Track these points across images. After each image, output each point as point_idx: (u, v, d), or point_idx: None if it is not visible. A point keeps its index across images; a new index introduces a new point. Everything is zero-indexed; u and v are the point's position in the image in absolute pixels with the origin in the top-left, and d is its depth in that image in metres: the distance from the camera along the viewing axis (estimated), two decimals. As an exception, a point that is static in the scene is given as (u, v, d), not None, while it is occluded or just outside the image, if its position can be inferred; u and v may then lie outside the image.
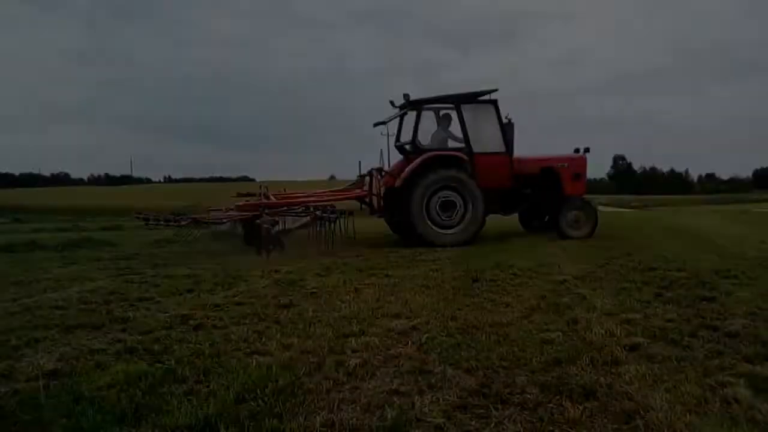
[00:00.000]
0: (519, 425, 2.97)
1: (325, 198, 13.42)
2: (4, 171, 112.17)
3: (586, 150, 13.50)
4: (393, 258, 9.73)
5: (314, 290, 6.74)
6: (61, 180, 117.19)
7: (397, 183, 12.57)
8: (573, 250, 10.38)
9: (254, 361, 4.00)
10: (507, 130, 12.82)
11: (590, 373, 3.63)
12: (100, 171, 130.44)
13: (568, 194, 13.04)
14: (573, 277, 7.14)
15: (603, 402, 3.18)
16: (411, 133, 12.86)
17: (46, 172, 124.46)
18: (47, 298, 6.53)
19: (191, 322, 5.26)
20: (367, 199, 13.50)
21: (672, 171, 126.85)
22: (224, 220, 12.90)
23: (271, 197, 13.22)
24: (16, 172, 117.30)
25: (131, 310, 5.87)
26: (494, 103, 12.77)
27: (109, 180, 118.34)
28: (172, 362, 3.99)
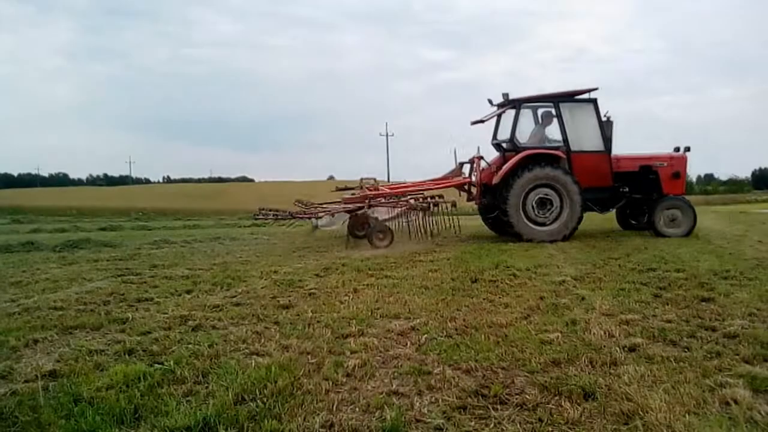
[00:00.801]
0: (518, 426, 2.97)
1: (426, 187, 13.95)
2: (2, 171, 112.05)
3: (687, 149, 13.39)
4: (392, 258, 9.73)
5: (313, 291, 6.74)
6: (59, 180, 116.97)
7: (495, 180, 12.85)
8: (572, 251, 10.39)
9: (253, 361, 4.00)
10: (606, 127, 12.82)
11: (589, 373, 3.63)
12: (99, 171, 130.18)
13: (667, 193, 12.97)
14: (572, 278, 7.15)
15: (602, 403, 3.18)
16: (509, 131, 13.00)
17: (45, 173, 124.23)
18: (46, 298, 6.53)
19: (190, 322, 5.26)
20: (466, 187, 13.94)
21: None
22: (320, 215, 14.48)
23: (373, 189, 14.05)
24: (15, 173, 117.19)
25: (130, 310, 5.87)
26: (594, 101, 12.80)
27: (108, 180, 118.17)
28: (171, 363, 3.98)
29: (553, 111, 12.91)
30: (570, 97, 13.02)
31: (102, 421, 3.04)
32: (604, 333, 4.53)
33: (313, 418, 3.06)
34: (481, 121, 13.93)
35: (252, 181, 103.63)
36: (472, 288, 6.73)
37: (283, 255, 10.85)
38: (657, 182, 13.07)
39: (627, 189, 13.23)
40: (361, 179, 15.11)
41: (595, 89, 12.80)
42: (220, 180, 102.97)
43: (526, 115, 13.36)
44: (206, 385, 3.61)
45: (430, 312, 5.48)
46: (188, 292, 6.88)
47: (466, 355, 4.07)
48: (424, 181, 14.23)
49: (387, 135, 73.84)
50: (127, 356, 4.26)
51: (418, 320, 5.14)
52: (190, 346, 4.47)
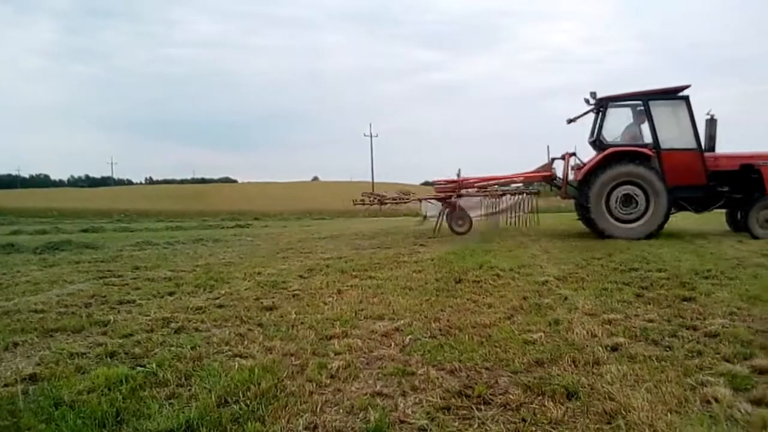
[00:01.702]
0: (502, 426, 2.98)
1: (511, 179, 15.02)
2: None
3: None
4: (376, 259, 9.73)
5: (297, 292, 6.72)
6: (40, 182, 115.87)
7: (578, 177, 13.11)
8: (554, 251, 10.45)
9: (236, 364, 3.98)
10: (709, 126, 12.72)
11: (572, 373, 3.65)
12: (80, 172, 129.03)
13: None
14: (555, 278, 7.19)
15: (585, 402, 3.19)
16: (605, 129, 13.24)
17: (26, 174, 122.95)
18: (26, 301, 6.45)
19: (172, 325, 5.22)
20: (555, 180, 14.24)
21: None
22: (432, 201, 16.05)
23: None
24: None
25: (112, 313, 5.81)
26: (686, 99, 12.66)
27: (89, 181, 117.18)
28: (153, 366, 3.95)
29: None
30: (660, 95, 12.91)
31: (83, 425, 3.01)
32: (587, 333, 4.56)
33: (297, 420, 3.05)
34: (574, 120, 14.16)
35: (235, 182, 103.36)
36: (456, 288, 6.75)
37: (266, 256, 10.82)
38: (760, 182, 12.49)
39: (726, 189, 12.74)
40: (459, 170, 16.08)
41: (688, 86, 12.72)
42: (203, 181, 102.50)
43: (625, 113, 13.46)
44: (189, 387, 3.58)
45: (414, 313, 5.48)
46: (171, 294, 6.83)
47: (450, 356, 4.08)
48: (511, 174, 15.11)
49: (371, 136, 73.81)
50: (108, 359, 4.22)
51: (402, 321, 5.14)
52: (172, 348, 4.43)
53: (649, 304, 5.69)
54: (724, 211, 14.12)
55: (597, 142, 13.24)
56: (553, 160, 14.28)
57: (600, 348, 4.15)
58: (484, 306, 5.74)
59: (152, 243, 14.05)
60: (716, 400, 3.13)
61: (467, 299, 6.10)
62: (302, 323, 5.15)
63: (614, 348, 4.18)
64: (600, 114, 13.25)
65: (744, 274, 7.17)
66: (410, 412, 3.15)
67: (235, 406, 3.22)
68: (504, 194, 15.78)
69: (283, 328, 4.98)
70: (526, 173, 14.97)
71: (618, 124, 13.39)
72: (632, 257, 9.02)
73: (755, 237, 11.97)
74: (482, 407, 3.21)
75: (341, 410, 3.21)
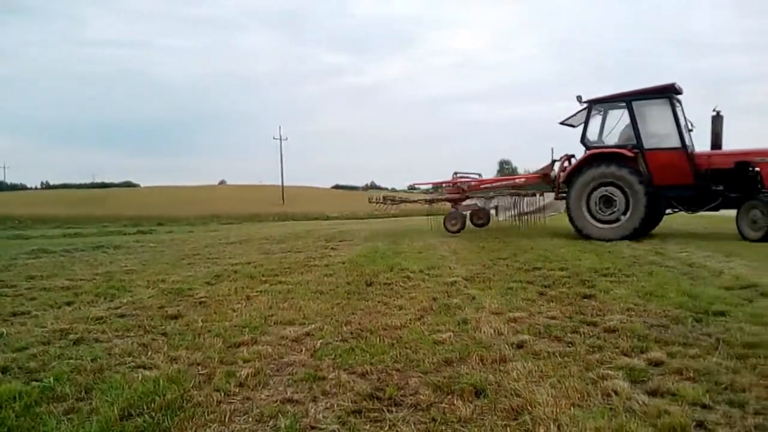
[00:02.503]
0: (412, 426, 3.00)
1: (513, 180, 15.80)
2: None
3: None
4: (286, 263, 9.62)
5: (203, 299, 6.54)
6: None
7: (561, 179, 13.08)
8: (463, 252, 10.67)
9: (140, 375, 3.84)
10: (714, 123, 12.49)
11: (480, 371, 3.73)
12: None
13: None
14: (463, 279, 7.33)
15: (492, 399, 3.27)
16: (597, 131, 13.24)
17: None
18: None
19: (71, 336, 4.96)
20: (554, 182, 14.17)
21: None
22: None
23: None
24: None
25: (4, 325, 5.45)
26: (669, 98, 12.43)
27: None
28: (51, 380, 3.74)
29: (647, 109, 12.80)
30: (643, 95, 12.74)
31: (-31, 447, 2.81)
32: (494, 331, 4.67)
33: (204, 430, 2.97)
34: (570, 125, 14.12)
35: (138, 186, 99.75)
36: (367, 291, 6.76)
37: (171, 263, 10.47)
38: (758, 179, 11.74)
39: (721, 187, 12.09)
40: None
41: (672, 85, 12.53)
42: (103, 185, 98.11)
43: (614, 115, 13.38)
44: (89, 401, 3.41)
45: (325, 317, 5.46)
46: (69, 304, 6.50)
47: (361, 359, 4.08)
48: (515, 176, 16.15)
49: (281, 139, 73.20)
50: (0, 375, 3.96)
51: (312, 326, 5.11)
52: (71, 361, 4.21)
53: (552, 301, 5.90)
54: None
55: (584, 143, 13.40)
56: (554, 161, 14.45)
57: (506, 346, 4.27)
58: (395, 308, 5.78)
59: (48, 251, 13.28)
60: (615, 393, 3.28)
61: (378, 302, 6.12)
62: (209, 331, 5.02)
63: (519, 345, 4.31)
64: (586, 116, 13.34)
65: (640, 272, 7.56)
66: (321, 417, 3.13)
67: (138, 419, 3.10)
68: (535, 194, 16.51)
69: (188, 337, 4.84)
70: (527, 175, 15.64)
71: (607, 125, 13.41)
72: (535, 257, 9.33)
73: (744, 238, 11.42)
74: (393, 409, 3.23)
75: (250, 419, 3.15)
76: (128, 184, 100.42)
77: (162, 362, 4.16)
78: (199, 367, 4.02)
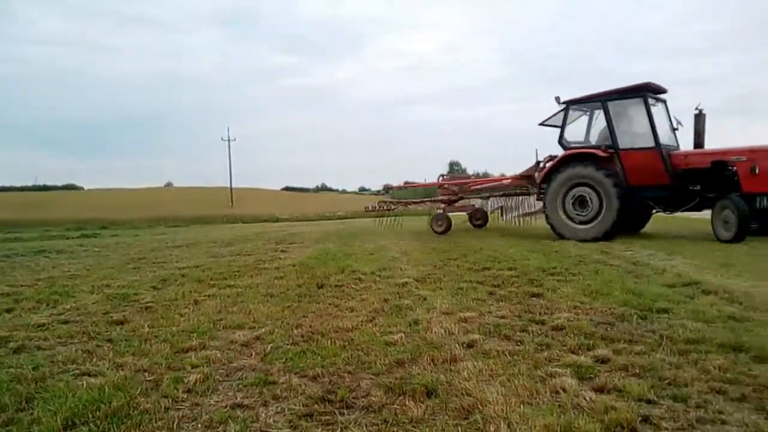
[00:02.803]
0: (364, 428, 2.99)
1: (500, 181, 16.39)
2: None
3: None
4: (235, 267, 9.49)
5: (150, 304, 6.40)
6: None
7: (539, 180, 13.03)
8: (414, 253, 10.71)
9: (84, 382, 3.73)
10: (696, 121, 12.42)
11: (431, 371, 3.75)
12: None
13: (748, 191, 11.16)
14: (414, 279, 7.36)
15: (443, 399, 3.29)
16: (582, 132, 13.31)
17: None
18: None
19: (11, 344, 4.80)
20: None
21: (503, 174, 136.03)
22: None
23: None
24: None
25: (-64, 335, 5.23)
26: (642, 97, 12.31)
27: None
28: (-12, 391, 3.60)
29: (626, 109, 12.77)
30: (617, 94, 12.66)
31: None
32: (445, 331, 4.70)
33: (151, 438, 2.89)
34: (553, 125, 13.91)
35: (81, 188, 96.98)
36: (318, 294, 6.73)
37: (116, 267, 10.21)
38: (734, 179, 11.40)
39: (698, 188, 12.00)
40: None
41: (646, 84, 12.48)
42: (45, 188, 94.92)
43: (587, 115, 13.58)
44: (30, 411, 3.30)
45: (276, 320, 5.40)
46: (8, 311, 6.27)
47: (312, 362, 4.05)
48: (499, 177, 16.38)
49: (228, 140, 72.13)
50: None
51: (263, 329, 5.05)
52: (11, 370, 4.06)
53: (501, 301, 5.98)
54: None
55: (561, 144, 13.42)
56: (538, 163, 14.40)
57: (457, 345, 4.30)
58: (346, 310, 5.76)
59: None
60: (564, 390, 3.33)
61: (329, 304, 6.10)
62: (156, 337, 4.91)
63: (470, 345, 4.35)
64: (563, 116, 13.35)
65: (586, 270, 7.73)
66: (272, 422, 3.09)
67: (83, 428, 3.02)
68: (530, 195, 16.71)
69: (135, 343, 4.72)
70: (513, 176, 15.60)
71: (592, 125, 13.51)
72: (485, 257, 9.44)
73: (718, 239, 11.15)
74: (345, 411, 3.22)
75: (199, 425, 3.09)
76: (71, 187, 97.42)
77: (107, 369, 4.05)
78: (146, 374, 3.92)
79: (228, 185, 71.63)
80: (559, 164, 12.88)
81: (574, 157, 12.72)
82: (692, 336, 4.32)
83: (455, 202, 17.07)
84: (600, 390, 3.37)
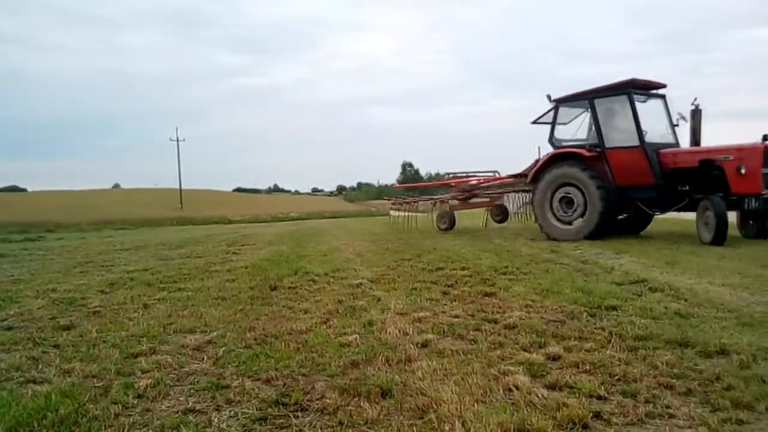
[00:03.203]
0: (319, 431, 2.97)
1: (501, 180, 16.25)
2: None
3: (766, 138, 10.72)
4: (186, 269, 9.33)
5: (98, 309, 6.24)
6: None
7: (528, 179, 12.87)
8: (368, 254, 10.71)
9: (29, 390, 3.63)
10: (693, 118, 11.94)
11: (386, 372, 3.75)
12: None
13: (735, 192, 10.63)
14: (368, 280, 7.36)
15: (399, 399, 3.28)
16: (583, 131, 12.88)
17: None
18: None
19: (-51, 353, 4.60)
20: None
21: (454, 175, 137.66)
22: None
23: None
24: None
25: None
26: (627, 94, 11.78)
27: None
28: (-76, 402, 3.44)
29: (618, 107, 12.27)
30: (604, 92, 12.24)
31: None
32: (399, 331, 4.71)
33: (100, 447, 2.82)
34: (546, 123, 13.53)
35: (24, 190, 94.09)
36: (271, 296, 6.66)
37: (62, 271, 9.92)
38: (721, 179, 10.80)
39: (687, 188, 11.46)
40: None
41: (630, 81, 11.91)
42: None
43: (575, 113, 13.25)
44: (-30, 422, 3.17)
45: (228, 323, 5.33)
46: (-54, 318, 6.02)
47: (266, 365, 4.00)
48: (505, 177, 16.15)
49: (177, 140, 70.83)
50: None
51: (214, 333, 4.97)
52: (-51, 380, 3.91)
53: (455, 300, 6.02)
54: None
55: (551, 143, 13.17)
56: (537, 161, 13.84)
57: (411, 345, 4.31)
58: (300, 312, 5.72)
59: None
60: (517, 387, 3.37)
61: (283, 306, 6.04)
62: (105, 342, 4.79)
63: (424, 344, 4.36)
64: (553, 115, 13.03)
65: (537, 269, 7.85)
66: (225, 427, 3.04)
67: (27, 438, 2.91)
68: None
69: (82, 349, 4.59)
70: (510, 175, 15.48)
71: (585, 123, 13.10)
72: (438, 257, 9.50)
73: (700, 240, 10.63)
74: (299, 414, 3.19)
75: (150, 431, 3.02)
76: (14, 189, 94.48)
77: (54, 376, 3.93)
78: (95, 380, 3.82)
79: (177, 187, 70.36)
80: (547, 164, 12.64)
81: (560, 157, 12.48)
82: (640, 333, 4.42)
83: (468, 199, 17.04)
84: (552, 387, 3.42)
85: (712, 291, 6.05)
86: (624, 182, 11.84)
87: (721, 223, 10.16)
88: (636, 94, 11.94)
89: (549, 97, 13.07)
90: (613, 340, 4.29)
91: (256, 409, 3.25)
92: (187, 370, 4.02)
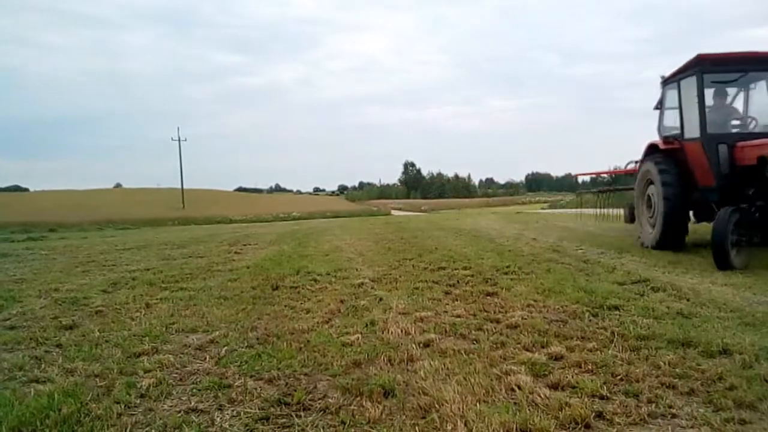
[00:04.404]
0: (321, 430, 2.98)
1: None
2: None
3: None
4: (188, 269, 9.33)
5: (100, 308, 6.24)
6: None
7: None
8: (369, 254, 10.70)
9: (32, 390, 3.64)
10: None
11: (388, 372, 3.75)
12: None
13: None
14: (370, 280, 7.36)
15: (401, 399, 3.29)
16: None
17: None
18: None
19: (-47, 352, 4.61)
20: None
21: (456, 176, 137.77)
22: None
23: None
24: None
25: None
26: (695, 75, 9.29)
27: None
28: (-71, 401, 3.45)
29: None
30: (680, 73, 9.89)
31: None
32: (401, 331, 4.71)
33: (103, 446, 2.82)
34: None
35: (26, 190, 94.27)
36: (273, 295, 6.66)
37: (64, 271, 9.93)
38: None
39: (752, 191, 8.48)
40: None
41: (698, 57, 9.31)
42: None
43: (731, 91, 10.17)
44: (-26, 422, 3.18)
45: (230, 323, 5.33)
46: (-51, 317, 6.03)
47: (268, 365, 4.01)
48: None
49: (179, 140, 70.80)
50: None
51: (217, 332, 4.98)
52: (-48, 379, 3.92)
53: (457, 300, 6.02)
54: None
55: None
56: None
57: (413, 345, 4.31)
58: (302, 311, 5.72)
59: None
60: (519, 387, 3.37)
61: (285, 306, 6.04)
62: (107, 341, 4.80)
63: (426, 344, 4.37)
64: (660, 97, 10.88)
65: (538, 269, 7.84)
66: (228, 426, 3.05)
67: (31, 437, 2.91)
68: None
69: (85, 348, 4.60)
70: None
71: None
72: (440, 257, 9.48)
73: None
74: (302, 414, 3.19)
75: (153, 430, 3.03)
76: (16, 188, 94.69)
77: (57, 375, 3.95)
78: (98, 379, 3.83)
79: (179, 186, 70.38)
80: (643, 158, 10.75)
81: (651, 149, 10.56)
82: (643, 332, 4.42)
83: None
84: (555, 387, 3.42)
85: (714, 291, 6.05)
86: (702, 181, 9.38)
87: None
88: (718, 72, 9.56)
89: (663, 77, 10.72)
90: (615, 339, 4.30)
91: (259, 409, 3.26)
92: (189, 370, 4.02)
